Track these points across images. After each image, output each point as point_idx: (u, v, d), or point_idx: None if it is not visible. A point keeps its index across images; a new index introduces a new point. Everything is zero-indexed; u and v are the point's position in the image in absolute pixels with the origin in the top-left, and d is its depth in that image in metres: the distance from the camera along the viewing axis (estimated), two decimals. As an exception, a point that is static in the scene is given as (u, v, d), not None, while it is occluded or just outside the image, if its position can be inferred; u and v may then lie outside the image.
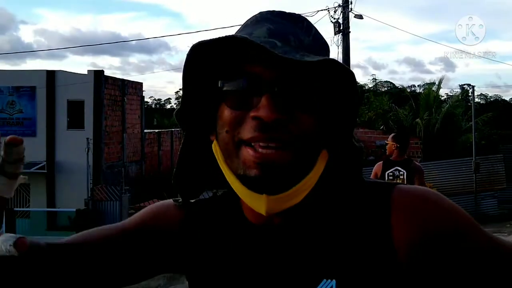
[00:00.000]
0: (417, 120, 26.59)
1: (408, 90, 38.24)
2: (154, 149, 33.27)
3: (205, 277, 1.04)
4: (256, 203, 0.93)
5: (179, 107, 1.01)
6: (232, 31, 1.00)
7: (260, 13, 0.98)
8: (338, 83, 0.92)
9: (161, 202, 1.14)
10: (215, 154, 0.98)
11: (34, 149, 24.14)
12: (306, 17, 1.02)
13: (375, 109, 30.75)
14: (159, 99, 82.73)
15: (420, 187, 0.99)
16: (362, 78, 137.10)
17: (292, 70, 0.89)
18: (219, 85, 0.94)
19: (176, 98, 78.26)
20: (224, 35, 0.88)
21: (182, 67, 0.94)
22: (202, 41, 0.89)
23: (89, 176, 23.90)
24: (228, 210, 1.05)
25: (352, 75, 0.89)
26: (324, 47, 0.99)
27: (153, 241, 1.07)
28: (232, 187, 0.95)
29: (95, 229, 1.09)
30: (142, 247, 1.06)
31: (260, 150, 0.88)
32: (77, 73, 25.93)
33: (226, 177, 0.96)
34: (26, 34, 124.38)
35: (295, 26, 0.96)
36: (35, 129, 25.12)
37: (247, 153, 0.90)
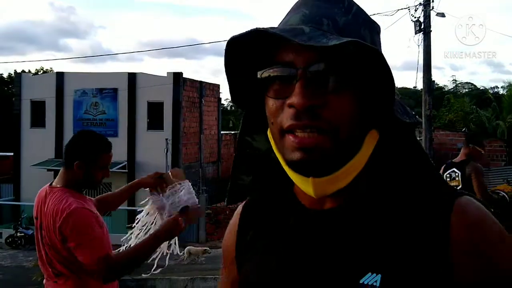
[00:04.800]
0: (497, 121, 25.57)
1: (490, 91, 36.81)
2: (230, 150, 33.62)
3: (255, 261, 1.05)
4: (306, 186, 0.95)
5: (231, 96, 1.05)
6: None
7: None
8: (371, 62, 0.90)
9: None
10: (270, 140, 1.01)
11: (115, 149, 24.87)
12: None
13: (455, 111, 29.89)
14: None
15: (477, 211, 0.93)
16: (441, 79, 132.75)
17: (325, 54, 0.88)
18: (258, 76, 0.95)
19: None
20: (249, 29, 0.90)
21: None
22: (235, 36, 0.92)
23: (167, 176, 24.42)
24: (283, 195, 1.07)
25: (379, 53, 0.87)
26: (367, 24, 0.97)
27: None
28: (286, 172, 0.98)
29: None
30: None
31: (299, 135, 0.90)
32: (157, 75, 26.58)
33: (281, 163, 0.99)
34: (105, 39, 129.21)
35: (334, 7, 0.95)
36: (116, 130, 25.94)
37: (289, 139, 0.91)
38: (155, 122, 26.01)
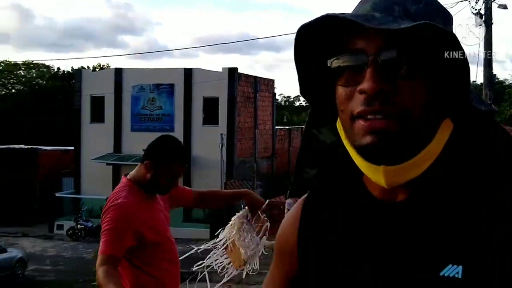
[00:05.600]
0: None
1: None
2: (284, 145, 33.62)
3: (323, 258, 1.03)
4: (376, 175, 0.93)
5: (299, 88, 1.03)
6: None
7: None
8: (444, 47, 0.89)
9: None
10: (338, 130, 0.99)
11: (172, 144, 25.30)
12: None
13: (517, 106, 28.98)
14: (288, 96, 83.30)
15: None
16: (502, 73, 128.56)
17: (396, 40, 0.88)
18: (328, 65, 0.95)
19: (307, 95, 78.20)
20: (319, 15, 0.89)
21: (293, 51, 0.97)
22: (305, 23, 0.92)
23: (222, 171, 24.67)
24: (351, 187, 1.04)
25: (453, 37, 0.86)
26: (439, 12, 0.96)
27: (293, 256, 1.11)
28: (355, 161, 0.96)
29: None
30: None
31: (370, 118, 0.88)
32: (212, 71, 26.83)
33: (349, 152, 0.97)
34: (161, 35, 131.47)
35: None
36: (173, 125, 26.35)
37: (359, 124, 0.90)
38: (210, 117, 26.26)
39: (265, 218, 3.06)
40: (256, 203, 3.14)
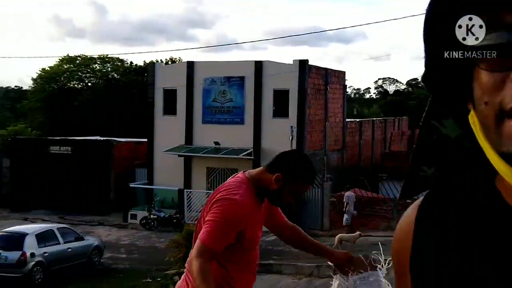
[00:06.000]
0: None
1: None
2: (355, 138, 33.18)
3: (437, 253, 0.87)
4: None
5: (424, 72, 0.85)
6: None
7: None
8: None
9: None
10: (472, 126, 0.81)
11: (242, 136, 25.50)
12: None
13: None
14: (358, 89, 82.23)
15: None
16: None
17: None
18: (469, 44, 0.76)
19: (376, 88, 77.38)
20: None
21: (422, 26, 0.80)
22: None
23: (292, 163, 24.58)
24: (481, 193, 0.86)
25: None
26: None
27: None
28: (494, 166, 0.78)
29: None
30: None
31: None
32: (283, 63, 26.75)
33: (486, 154, 0.78)
34: (231, 28, 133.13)
35: None
36: (243, 117, 26.47)
37: (510, 126, 0.71)
38: (280, 110, 26.22)
39: (361, 259, 2.92)
40: (343, 259, 3.00)
